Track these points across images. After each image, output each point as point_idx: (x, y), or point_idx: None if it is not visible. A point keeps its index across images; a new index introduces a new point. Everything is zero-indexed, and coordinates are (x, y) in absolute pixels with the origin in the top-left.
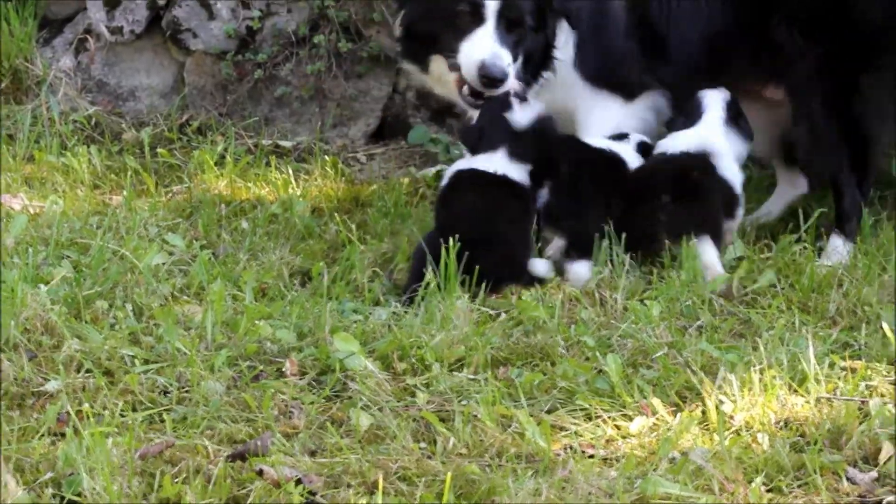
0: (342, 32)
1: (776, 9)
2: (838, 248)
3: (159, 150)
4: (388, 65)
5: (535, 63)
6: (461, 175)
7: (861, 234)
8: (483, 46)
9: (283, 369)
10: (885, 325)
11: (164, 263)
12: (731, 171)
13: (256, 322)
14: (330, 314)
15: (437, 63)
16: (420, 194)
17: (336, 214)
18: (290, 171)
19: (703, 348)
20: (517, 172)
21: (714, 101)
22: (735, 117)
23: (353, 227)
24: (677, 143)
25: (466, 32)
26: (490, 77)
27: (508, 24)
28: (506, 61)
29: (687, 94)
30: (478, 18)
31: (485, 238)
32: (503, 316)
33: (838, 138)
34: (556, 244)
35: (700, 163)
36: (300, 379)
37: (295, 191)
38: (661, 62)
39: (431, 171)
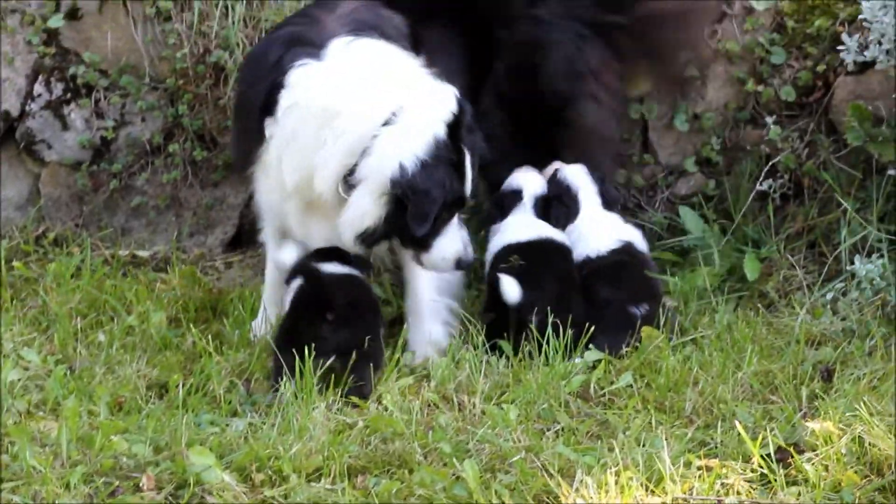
0: (197, 141)
1: None
2: None
3: (15, 262)
4: None
5: None
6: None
7: (716, 331)
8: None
9: (140, 484)
10: (737, 423)
11: (19, 379)
12: None
13: (112, 437)
14: (186, 427)
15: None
16: None
17: (193, 325)
18: (148, 282)
19: (560, 451)
20: None
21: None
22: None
23: (210, 337)
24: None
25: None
26: (467, 263)
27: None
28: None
29: None
30: (450, 216)
31: None
32: (360, 423)
33: None
34: None
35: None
36: (157, 494)
37: (152, 302)
38: None
39: None
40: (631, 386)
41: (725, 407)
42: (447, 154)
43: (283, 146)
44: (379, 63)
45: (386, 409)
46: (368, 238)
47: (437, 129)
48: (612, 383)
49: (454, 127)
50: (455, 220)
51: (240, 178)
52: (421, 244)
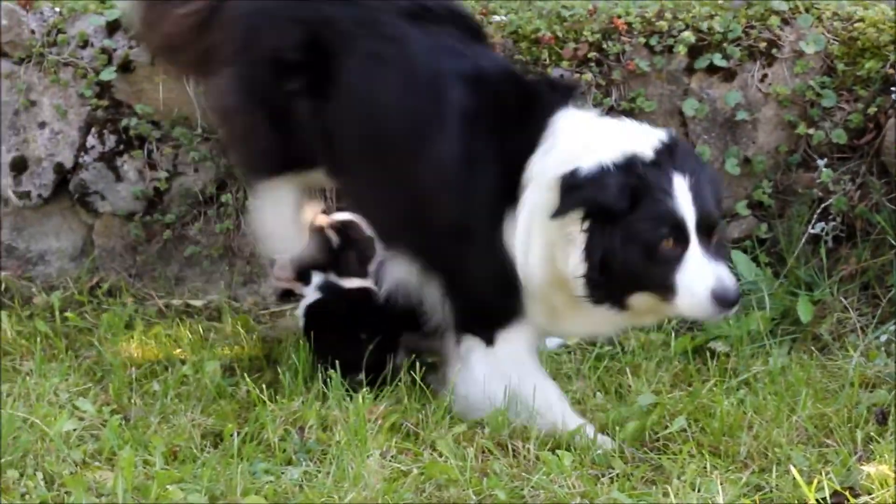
0: (248, 190)
1: None
2: None
3: (69, 313)
4: None
5: None
6: None
7: (770, 375)
8: (705, 273)
9: None
10: (792, 468)
11: (74, 430)
12: None
13: (167, 487)
14: (241, 476)
15: (642, 298)
16: None
17: (247, 374)
18: (202, 331)
19: (615, 497)
20: None
21: None
22: None
23: (264, 385)
24: None
25: (675, 262)
26: (729, 301)
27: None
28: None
29: None
30: (682, 241)
31: None
32: (414, 471)
33: None
34: None
35: None
36: None
37: (206, 351)
38: None
39: None
40: (685, 430)
41: (780, 451)
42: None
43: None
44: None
45: (441, 454)
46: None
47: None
48: (665, 427)
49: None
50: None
51: None
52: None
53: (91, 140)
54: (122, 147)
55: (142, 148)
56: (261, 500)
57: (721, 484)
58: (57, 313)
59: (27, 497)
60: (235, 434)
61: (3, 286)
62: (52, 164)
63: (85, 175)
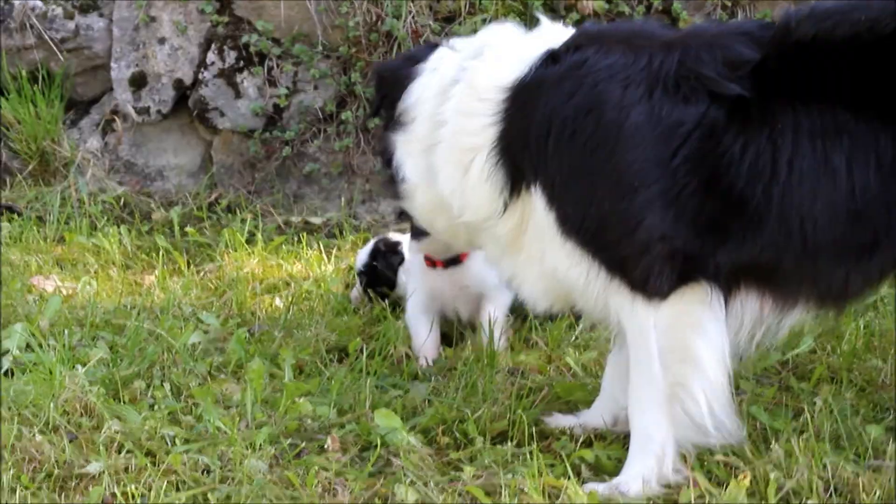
0: (369, 108)
1: None
2: None
3: (188, 229)
4: None
5: None
6: None
7: None
8: None
9: (325, 446)
10: None
11: (199, 342)
12: None
13: (296, 399)
14: (369, 390)
15: None
16: None
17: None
18: (322, 248)
19: (753, 411)
20: None
21: None
22: None
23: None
24: None
25: None
26: None
27: None
28: None
29: None
30: None
31: None
32: (545, 390)
33: None
34: None
35: None
36: (343, 455)
37: (327, 267)
38: None
39: None
40: (814, 352)
41: None
42: None
43: None
44: None
45: (570, 369)
46: None
47: None
48: (793, 349)
49: None
50: None
51: None
52: None
53: (211, 56)
54: (241, 63)
55: (262, 65)
56: (391, 413)
57: (851, 405)
58: (176, 228)
59: (155, 407)
60: (364, 348)
61: (123, 201)
62: (171, 79)
63: (204, 91)
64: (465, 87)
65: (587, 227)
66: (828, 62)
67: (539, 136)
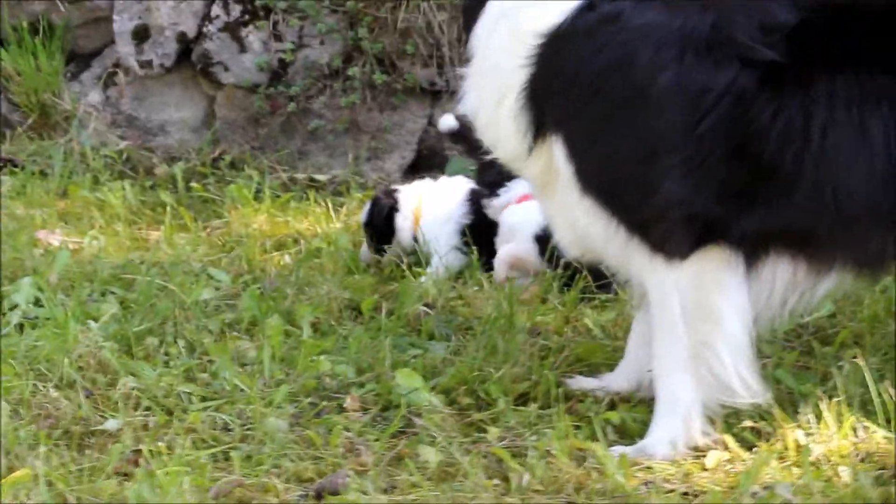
0: (376, 64)
1: None
2: None
3: (193, 184)
4: (423, 97)
5: None
6: None
7: None
8: None
9: (345, 405)
10: None
11: (211, 299)
12: None
13: (314, 357)
14: (388, 349)
15: None
16: None
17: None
18: (329, 205)
19: (778, 376)
20: None
21: None
22: None
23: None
24: None
25: None
26: None
27: None
28: None
29: None
30: None
31: None
32: (566, 351)
33: None
34: None
35: None
36: (363, 415)
37: (335, 224)
38: None
39: None
40: (833, 316)
41: None
42: None
43: None
44: None
45: (589, 331)
46: None
47: None
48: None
49: None
50: None
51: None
52: None
53: (215, 9)
54: (246, 17)
55: (267, 18)
56: (413, 373)
57: (877, 370)
58: (180, 184)
59: (170, 364)
60: (381, 308)
61: (125, 156)
62: (174, 33)
63: (208, 45)
64: (508, 25)
65: (605, 186)
66: (867, 26)
67: (564, 88)
